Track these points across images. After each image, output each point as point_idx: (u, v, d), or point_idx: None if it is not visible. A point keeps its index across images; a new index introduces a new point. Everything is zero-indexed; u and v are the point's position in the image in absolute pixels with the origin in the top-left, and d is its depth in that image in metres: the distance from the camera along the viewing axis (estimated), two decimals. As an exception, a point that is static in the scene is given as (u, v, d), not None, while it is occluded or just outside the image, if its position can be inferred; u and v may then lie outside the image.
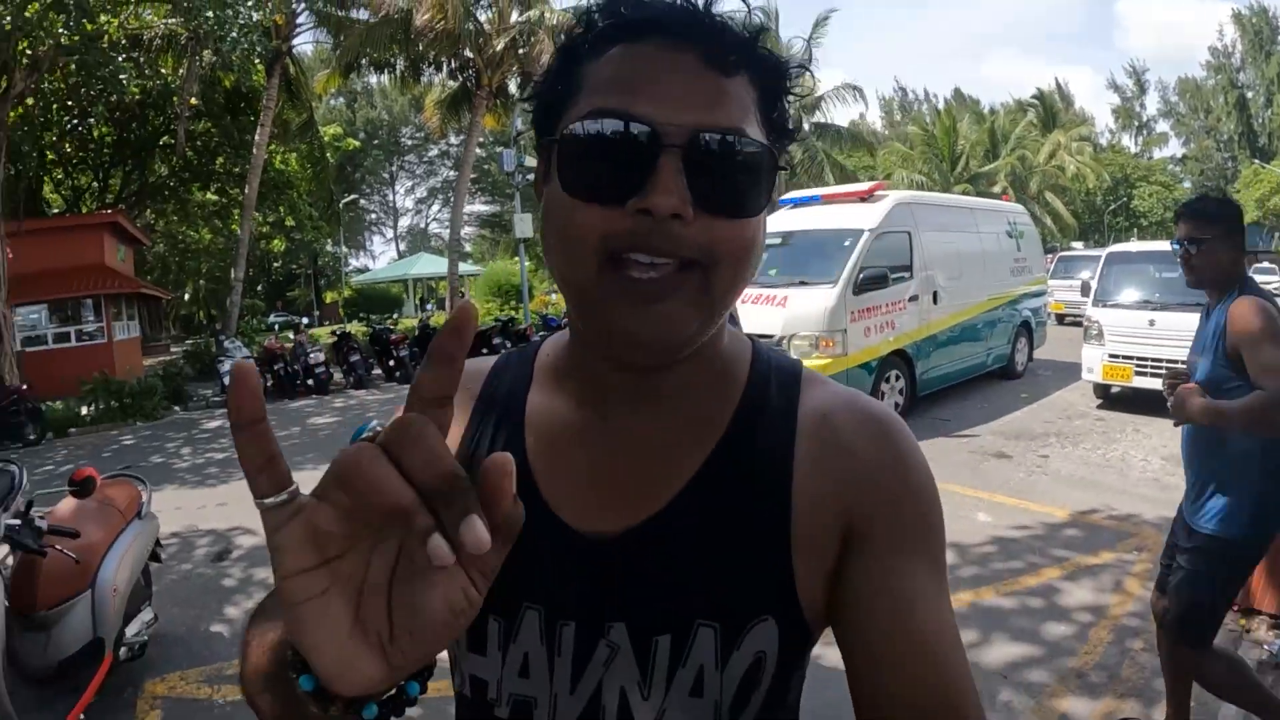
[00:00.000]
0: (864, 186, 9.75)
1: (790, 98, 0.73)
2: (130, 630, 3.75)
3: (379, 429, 0.48)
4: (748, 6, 0.71)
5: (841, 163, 27.26)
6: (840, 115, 59.51)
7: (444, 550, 0.42)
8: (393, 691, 0.52)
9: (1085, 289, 10.35)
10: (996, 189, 33.24)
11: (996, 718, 3.29)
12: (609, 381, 0.77)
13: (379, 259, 61.82)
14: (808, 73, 0.76)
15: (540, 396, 0.82)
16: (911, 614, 0.67)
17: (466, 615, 0.46)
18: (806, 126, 26.85)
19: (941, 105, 54.76)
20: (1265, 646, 3.73)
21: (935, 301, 9.39)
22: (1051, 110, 50.00)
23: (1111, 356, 9.03)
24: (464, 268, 29.18)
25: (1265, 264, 25.71)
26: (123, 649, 3.67)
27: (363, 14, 19.46)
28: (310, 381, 14.53)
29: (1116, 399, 9.60)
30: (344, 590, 0.46)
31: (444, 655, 0.56)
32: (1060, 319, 18.28)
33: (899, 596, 0.68)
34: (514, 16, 19.88)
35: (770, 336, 8.00)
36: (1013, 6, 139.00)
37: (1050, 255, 21.34)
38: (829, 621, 0.74)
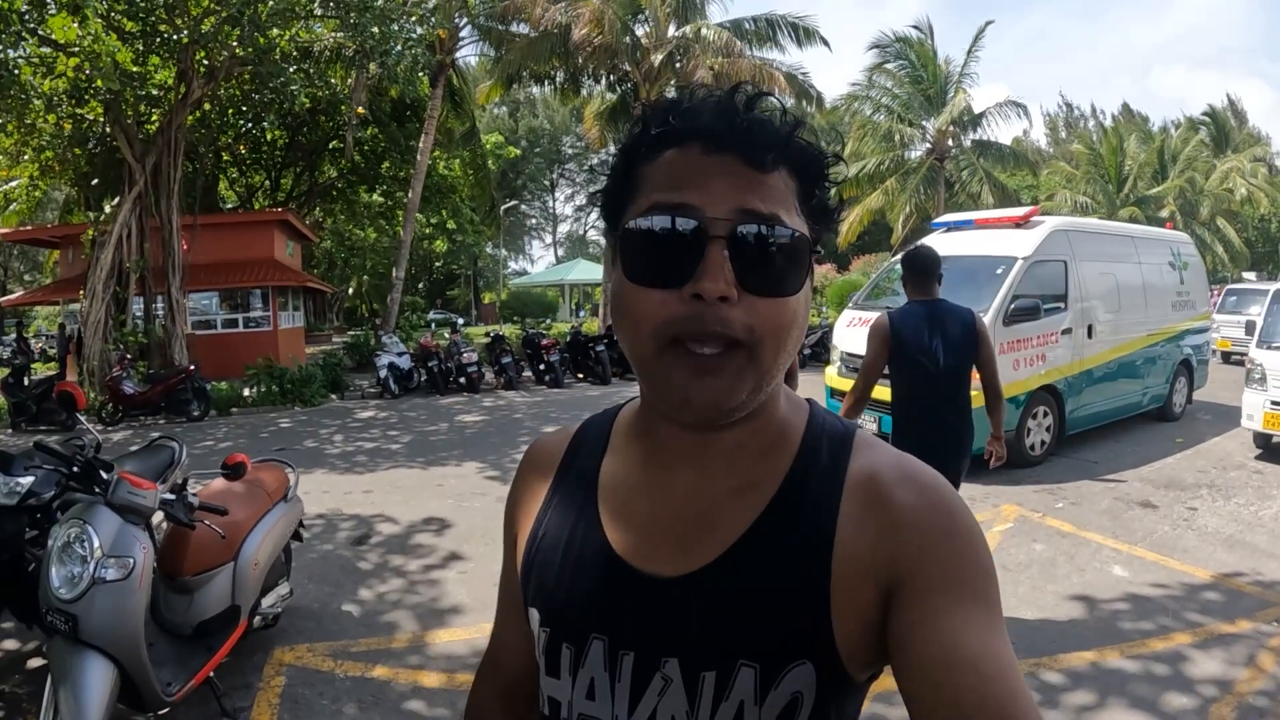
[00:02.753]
0: (1020, 211, 9.29)
1: (826, 184, 0.81)
2: (266, 601, 4.00)
3: None
4: (783, 109, 0.80)
5: (1003, 182, 26.20)
6: (1003, 132, 57.12)
7: None
8: None
9: (1250, 328, 9.56)
10: (1164, 213, 31.30)
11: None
12: (673, 441, 0.86)
13: (537, 263, 64.03)
14: (841, 161, 0.86)
15: (615, 454, 0.93)
16: (956, 644, 0.69)
17: None
18: (967, 143, 26.00)
19: (1109, 122, 52.01)
20: None
21: (1090, 335, 8.89)
22: (1224, 129, 46.38)
23: (1274, 404, 8.29)
24: (619, 276, 29.77)
25: None
26: (257, 618, 3.93)
27: (523, 28, 20.13)
28: (462, 380, 15.08)
29: (1277, 451, 8.86)
30: None
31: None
32: (1226, 357, 16.80)
33: (942, 630, 0.70)
34: (670, 31, 20.11)
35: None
36: (1184, 18, 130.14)
37: (1218, 287, 19.94)
38: (879, 668, 0.81)
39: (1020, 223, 8.96)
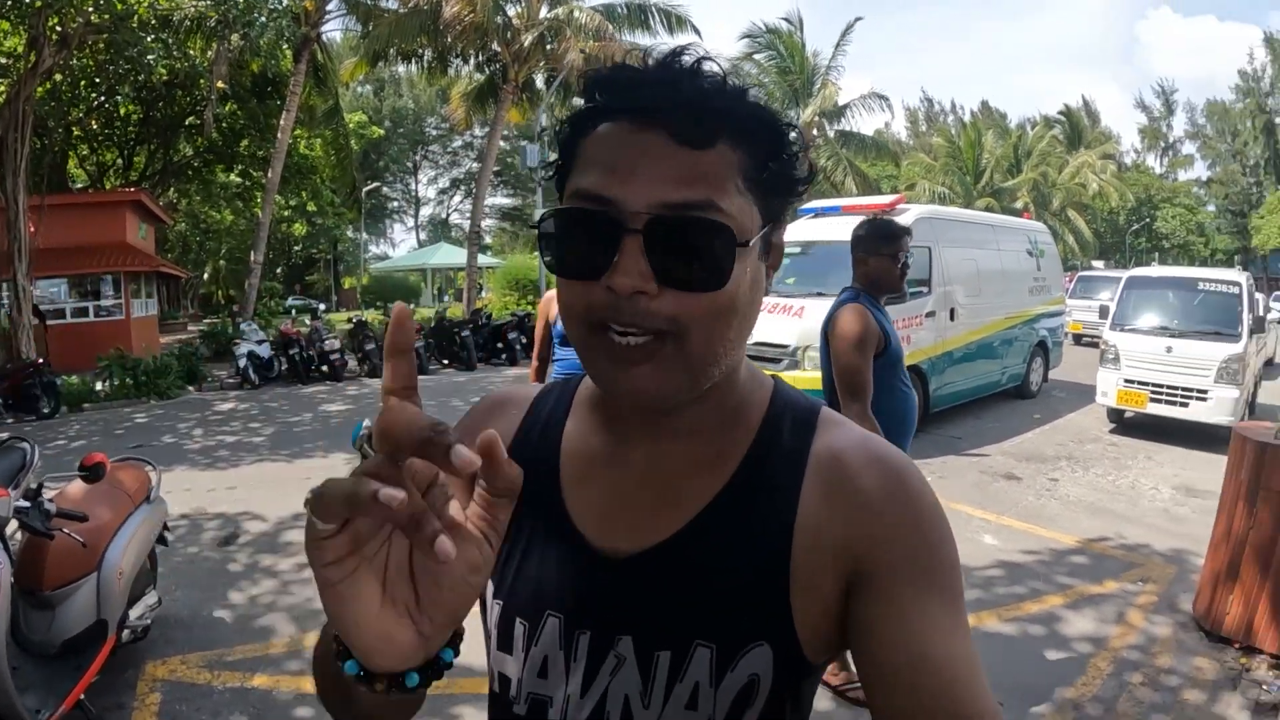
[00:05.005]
0: (887, 199, 9.70)
1: (783, 154, 0.76)
2: (134, 613, 3.77)
3: (370, 427, 0.56)
4: (723, 74, 0.73)
5: (865, 172, 27.17)
6: (865, 124, 59.20)
7: (447, 548, 0.48)
8: (430, 660, 0.59)
9: (1104, 312, 10.27)
10: (1019, 204, 33.10)
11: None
12: (629, 415, 0.83)
13: (399, 247, 62.12)
14: (793, 129, 0.77)
15: (576, 424, 0.90)
16: (924, 644, 0.68)
17: (482, 573, 0.56)
18: (831, 134, 26.82)
19: (967, 118, 54.61)
20: (1265, 687, 3.70)
21: (952, 318, 9.37)
22: (1078, 127, 49.68)
23: (1127, 381, 8.95)
24: (483, 260, 29.29)
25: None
26: (125, 631, 3.68)
27: (392, 3, 19.61)
28: (325, 368, 14.59)
29: (1130, 425, 9.55)
30: (371, 569, 0.54)
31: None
32: (1078, 339, 18.09)
33: (910, 628, 0.69)
34: (543, 12, 19.95)
35: (785, 346, 8.02)
36: (1043, 22, 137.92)
37: (1070, 274, 21.16)
38: (838, 652, 0.79)
39: (887, 210, 9.30)
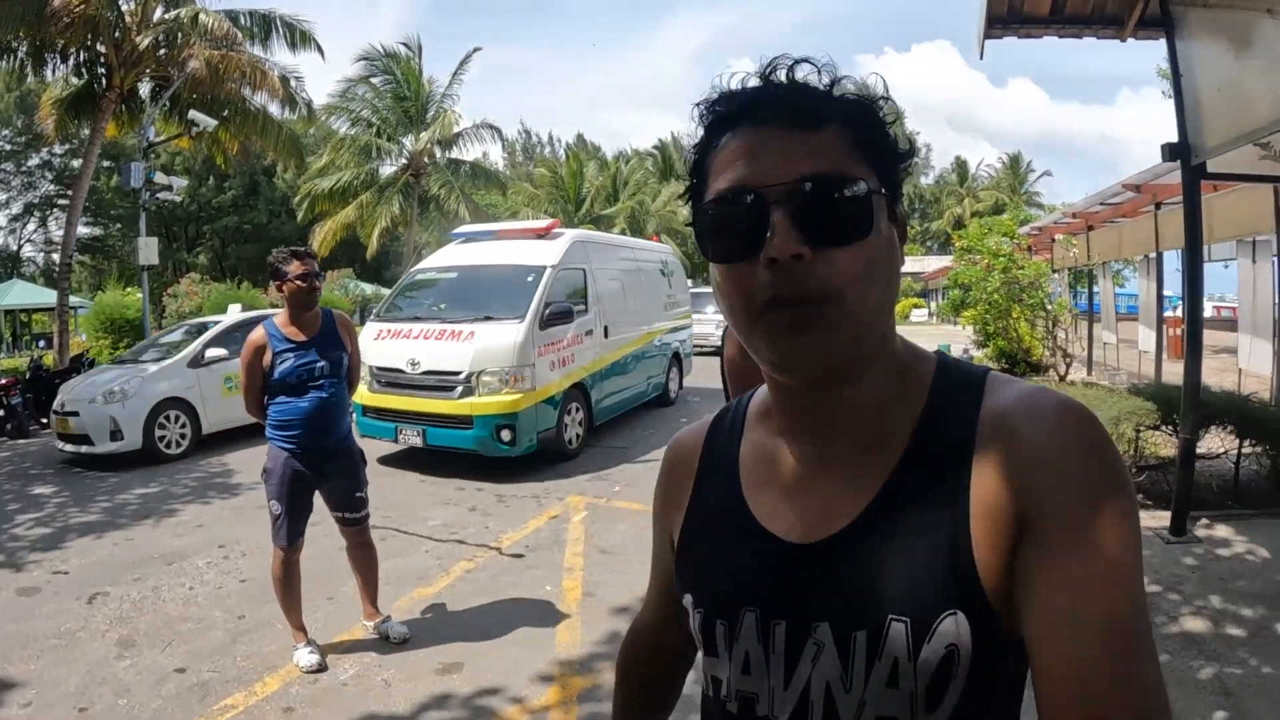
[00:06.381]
0: (542, 224, 9.97)
1: (881, 129, 0.83)
2: None
3: None
4: (817, 68, 0.82)
5: (475, 200, 27.65)
6: (473, 153, 60.52)
7: None
8: None
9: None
10: (616, 230, 35.55)
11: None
12: (799, 408, 0.87)
13: (-53, 289, 50.88)
14: (887, 101, 0.85)
15: (750, 435, 0.96)
16: (1082, 598, 0.68)
17: None
18: (442, 161, 26.92)
19: (562, 149, 58.04)
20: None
21: (606, 335, 9.85)
22: (669, 160, 55.02)
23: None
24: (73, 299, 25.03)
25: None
26: None
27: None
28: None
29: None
30: None
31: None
32: (697, 349, 19.78)
33: (1069, 582, 0.69)
34: (158, 13, 17.46)
35: (457, 373, 7.86)
36: (632, 68, 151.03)
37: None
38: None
39: (542, 234, 9.61)
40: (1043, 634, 0.69)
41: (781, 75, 0.82)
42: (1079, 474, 0.73)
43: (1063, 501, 0.72)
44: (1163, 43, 4.99)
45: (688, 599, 0.94)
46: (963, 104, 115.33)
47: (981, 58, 5.72)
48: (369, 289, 27.42)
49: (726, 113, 0.82)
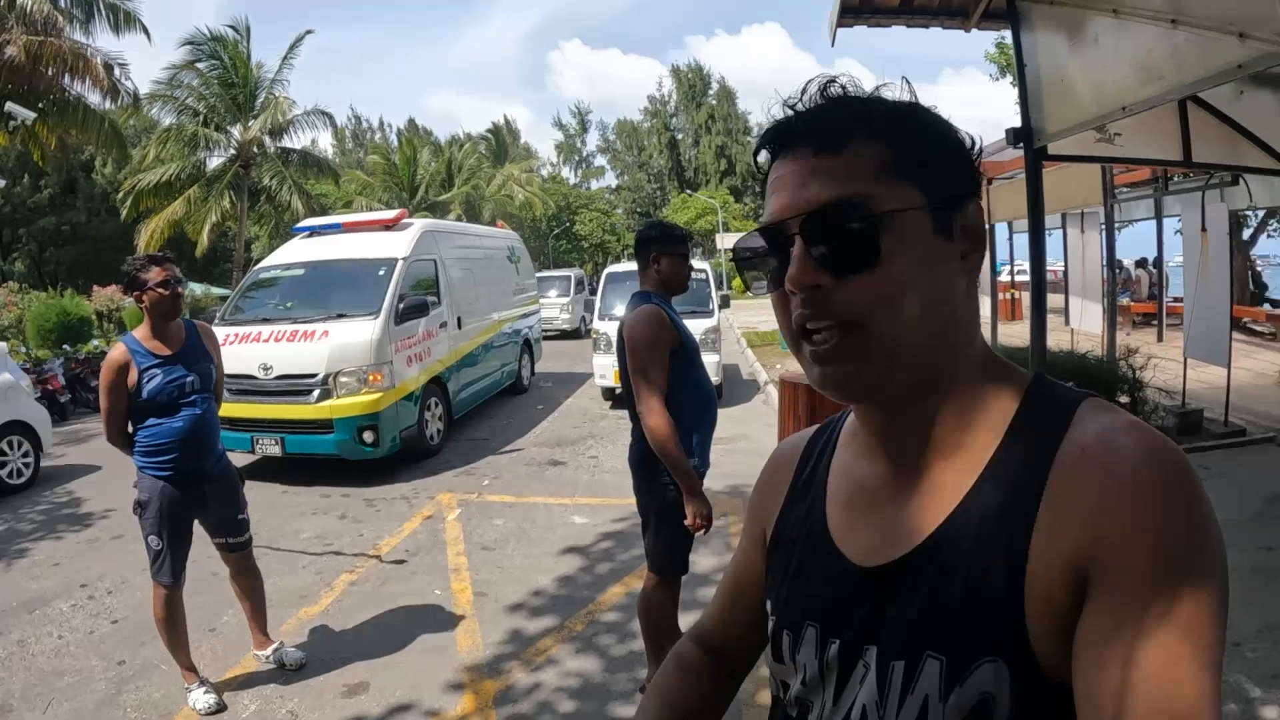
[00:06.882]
0: (389, 214, 9.60)
1: (927, 137, 0.81)
2: None
3: None
4: (843, 87, 0.82)
5: (308, 190, 26.34)
6: (304, 141, 57.22)
7: None
8: None
9: (589, 305, 11.44)
10: (452, 216, 34.82)
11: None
12: (872, 428, 0.88)
13: None
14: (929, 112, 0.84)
15: (842, 449, 0.97)
16: (1144, 672, 0.62)
17: None
18: (272, 150, 25.47)
19: (394, 135, 56.23)
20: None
21: (460, 326, 9.66)
22: (503, 144, 54.61)
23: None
24: None
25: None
26: None
27: None
28: None
29: (622, 399, 10.75)
30: None
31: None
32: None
33: (1128, 649, 0.63)
34: None
35: (313, 375, 7.51)
36: (461, 49, 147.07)
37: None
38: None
39: (390, 225, 9.27)
40: (1089, 704, 0.65)
41: (813, 97, 0.82)
42: (1159, 529, 0.65)
43: (1135, 558, 0.65)
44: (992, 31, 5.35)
45: (767, 604, 0.97)
46: (792, 84, 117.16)
47: (833, 45, 5.94)
48: (199, 289, 25.65)
49: (759, 145, 0.86)
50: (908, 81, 0.86)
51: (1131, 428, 0.72)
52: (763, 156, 0.86)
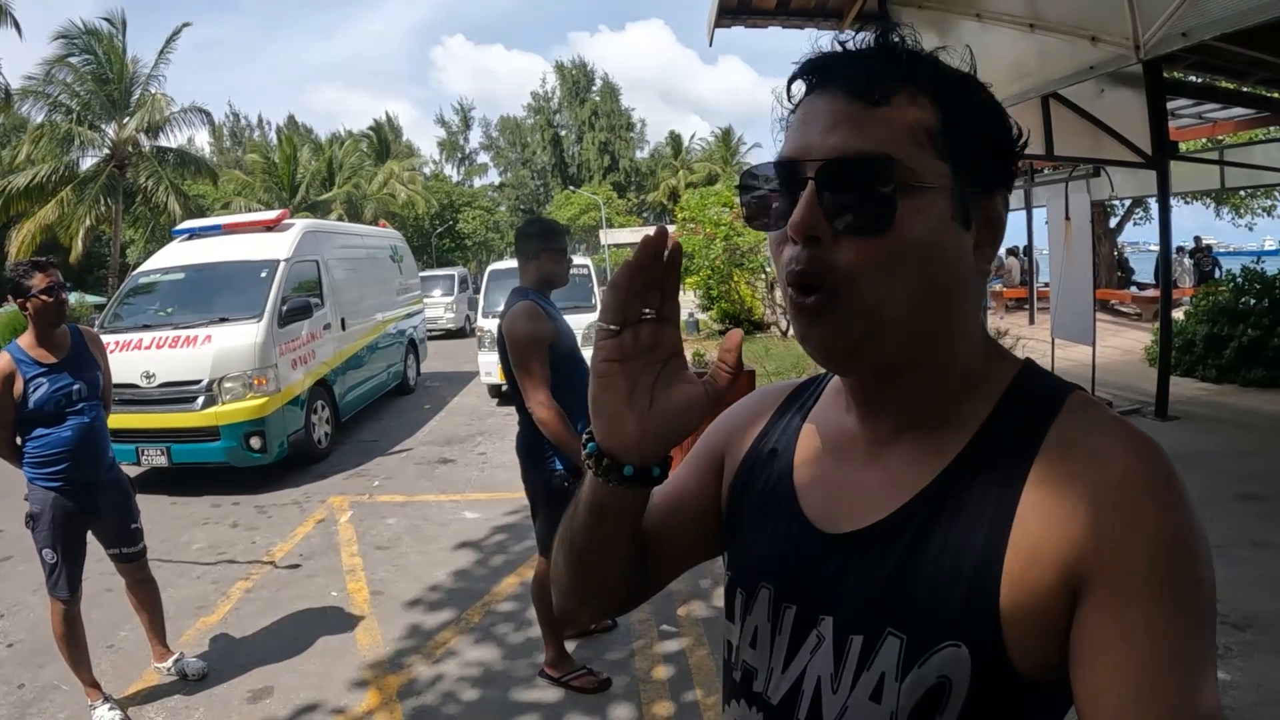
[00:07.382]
0: (271, 215, 9.43)
1: (975, 118, 0.75)
2: None
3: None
4: (901, 40, 0.76)
5: (186, 191, 25.25)
6: (182, 139, 54.14)
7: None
8: (644, 466, 0.81)
9: (474, 303, 11.46)
10: (333, 216, 33.95)
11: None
12: (853, 394, 0.84)
13: None
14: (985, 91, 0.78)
15: (819, 410, 0.94)
16: (1144, 679, 0.62)
17: (695, 410, 0.78)
18: (147, 149, 24.31)
19: (274, 133, 54.36)
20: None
21: (344, 328, 9.61)
22: (385, 141, 53.31)
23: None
24: None
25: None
26: None
27: None
28: None
29: (508, 396, 10.85)
30: (625, 378, 0.78)
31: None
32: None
33: (1130, 657, 0.62)
34: None
35: (197, 382, 7.37)
36: (343, 43, 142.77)
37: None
38: (1062, 674, 0.68)
39: (272, 226, 9.14)
40: (1090, 710, 0.64)
41: (867, 40, 0.76)
42: (1155, 530, 0.65)
43: (1131, 562, 0.64)
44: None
45: (725, 558, 0.95)
46: (676, 80, 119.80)
47: (711, 44, 6.27)
48: (73, 297, 24.35)
49: (795, 75, 0.78)
50: (971, 51, 0.80)
51: (1119, 425, 0.72)
52: (797, 87, 0.79)
